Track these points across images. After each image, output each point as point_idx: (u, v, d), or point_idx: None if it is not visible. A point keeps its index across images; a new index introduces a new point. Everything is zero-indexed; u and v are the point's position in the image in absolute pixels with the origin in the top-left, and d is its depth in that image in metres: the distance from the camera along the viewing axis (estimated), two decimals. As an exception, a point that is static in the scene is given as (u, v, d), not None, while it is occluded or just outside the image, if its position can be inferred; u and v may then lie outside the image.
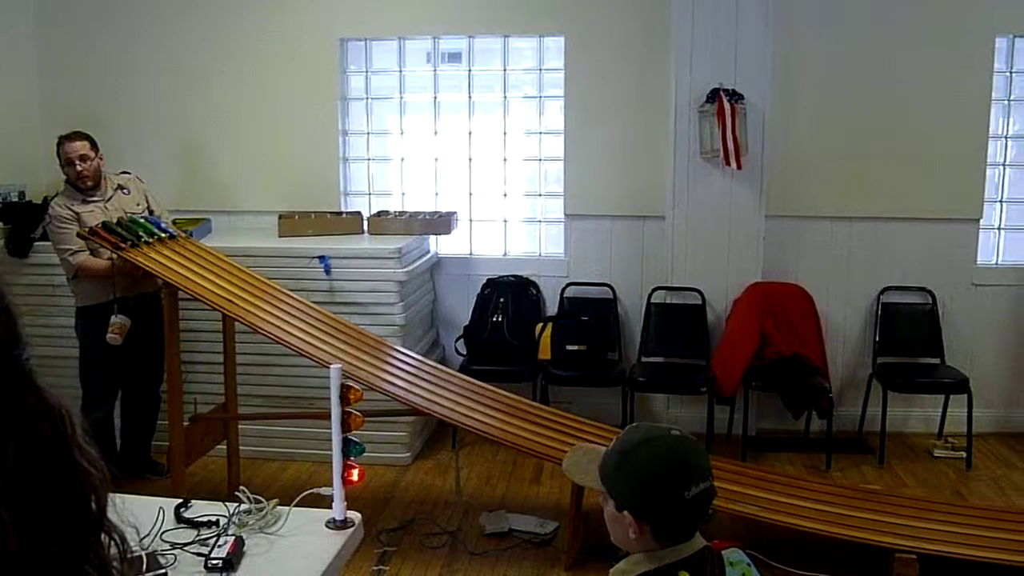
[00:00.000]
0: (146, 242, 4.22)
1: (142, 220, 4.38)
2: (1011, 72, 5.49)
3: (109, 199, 4.59)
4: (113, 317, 4.55)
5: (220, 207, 5.78)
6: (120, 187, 4.67)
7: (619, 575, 1.77)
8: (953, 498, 4.69)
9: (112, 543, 1.17)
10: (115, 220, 4.36)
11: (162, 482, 4.57)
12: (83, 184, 4.53)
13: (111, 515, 1.18)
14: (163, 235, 4.35)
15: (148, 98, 5.77)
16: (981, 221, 5.54)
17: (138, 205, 4.69)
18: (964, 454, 5.14)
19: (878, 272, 5.55)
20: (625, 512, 1.73)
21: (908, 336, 5.51)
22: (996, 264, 5.67)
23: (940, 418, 5.48)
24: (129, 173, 4.80)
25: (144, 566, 2.02)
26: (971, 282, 5.56)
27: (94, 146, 4.58)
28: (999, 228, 5.66)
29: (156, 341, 4.38)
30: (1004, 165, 5.59)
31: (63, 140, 4.53)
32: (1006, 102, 5.53)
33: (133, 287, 4.49)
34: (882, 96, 5.43)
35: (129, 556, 1.19)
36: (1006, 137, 5.57)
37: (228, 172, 5.83)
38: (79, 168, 4.50)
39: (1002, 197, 5.62)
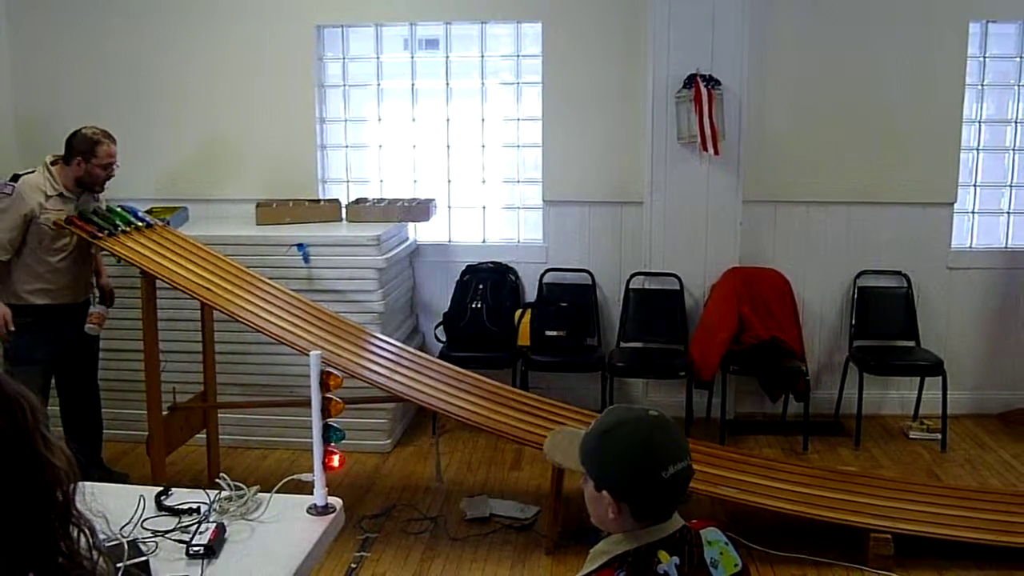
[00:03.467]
0: (123, 231, 4.20)
1: (119, 209, 4.34)
2: (984, 57, 5.54)
3: (82, 203, 4.40)
4: (92, 307, 4.54)
5: (197, 195, 5.75)
6: (94, 195, 4.53)
7: (599, 555, 1.78)
8: (928, 479, 4.75)
9: (81, 534, 1.15)
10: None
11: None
12: (100, 188, 4.35)
13: (80, 506, 1.16)
14: (140, 224, 4.32)
15: (123, 87, 5.72)
16: (955, 205, 5.60)
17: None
18: (939, 436, 5.21)
19: (854, 256, 5.60)
20: (604, 492, 1.74)
21: (884, 319, 5.57)
22: (970, 248, 5.73)
23: (915, 400, 5.54)
24: None
25: (125, 554, 2.02)
26: (946, 266, 5.62)
27: None
28: (973, 212, 5.72)
29: (86, 336, 4.43)
30: (978, 150, 5.64)
31: (103, 140, 4.27)
32: (980, 87, 5.58)
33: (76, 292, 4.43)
34: (857, 82, 5.46)
35: (99, 546, 1.19)
36: (980, 122, 5.62)
37: (205, 160, 5.80)
38: (113, 173, 4.32)
39: (976, 181, 5.68)
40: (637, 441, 1.73)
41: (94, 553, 1.17)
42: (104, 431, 4.77)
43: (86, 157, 4.24)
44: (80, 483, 1.18)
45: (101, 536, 1.88)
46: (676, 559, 1.71)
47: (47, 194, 4.25)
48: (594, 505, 1.79)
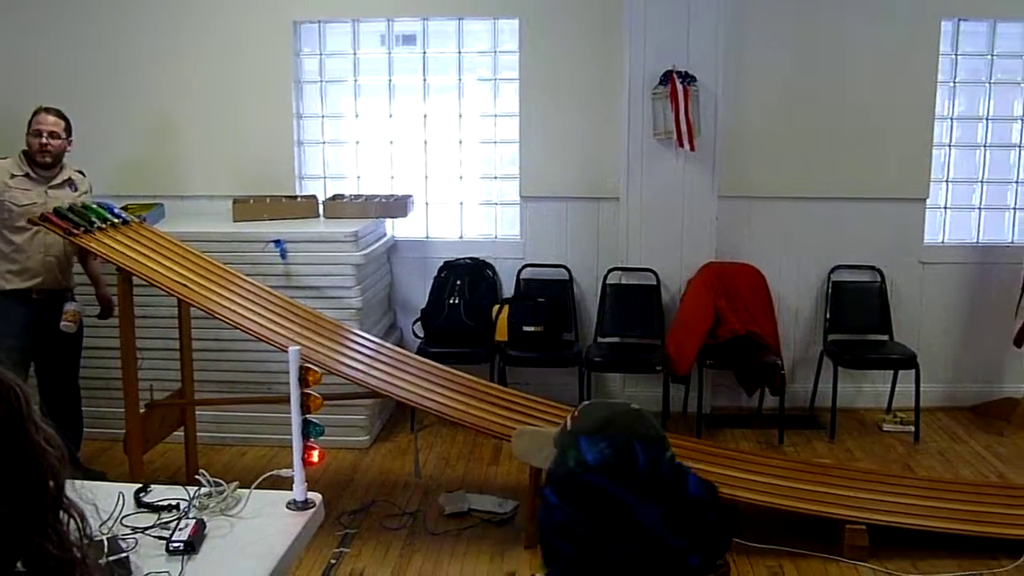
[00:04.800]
0: (99, 228, 4.16)
1: (94, 205, 4.30)
2: (956, 55, 5.60)
3: (53, 186, 4.46)
4: (66, 304, 4.51)
5: (173, 192, 5.72)
6: (70, 180, 4.56)
7: None
8: (902, 471, 4.81)
9: (72, 520, 1.16)
10: (52, 207, 4.32)
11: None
12: (40, 159, 4.40)
13: (71, 493, 1.17)
14: (116, 220, 4.29)
15: (99, 82, 5.67)
16: (928, 201, 5.66)
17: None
18: (912, 428, 5.27)
19: (828, 251, 5.65)
20: None
21: (858, 314, 5.62)
22: (943, 243, 5.80)
23: (889, 393, 5.60)
24: (84, 175, 4.67)
25: (105, 550, 2.02)
26: (918, 260, 5.68)
27: (68, 129, 4.47)
28: (945, 208, 5.78)
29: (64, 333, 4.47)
30: (950, 146, 5.71)
31: (40, 110, 4.41)
32: (952, 84, 5.64)
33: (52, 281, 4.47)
34: (831, 79, 5.51)
35: (90, 533, 1.19)
36: (952, 119, 5.68)
37: (181, 156, 5.77)
38: (44, 141, 4.38)
39: (948, 177, 5.74)
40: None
41: (84, 541, 1.18)
42: (85, 428, 4.77)
43: (28, 128, 4.41)
44: (69, 469, 1.19)
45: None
46: None
47: (12, 174, 4.40)
48: None
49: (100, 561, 1.96)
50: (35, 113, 4.42)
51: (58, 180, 4.49)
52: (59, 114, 4.44)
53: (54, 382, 4.62)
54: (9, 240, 4.38)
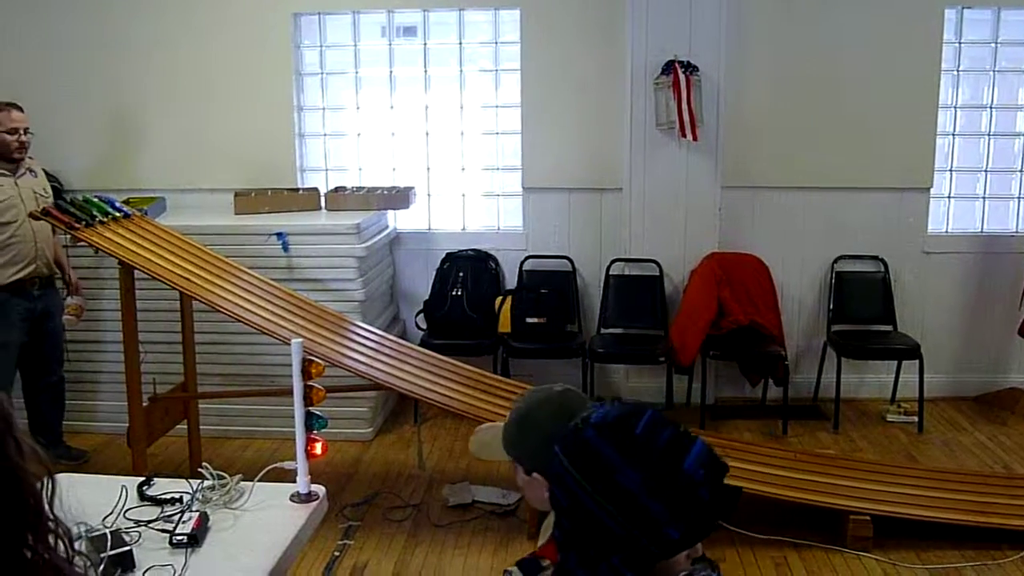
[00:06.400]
0: (101, 222, 4.16)
1: (96, 199, 4.30)
2: (960, 43, 5.57)
3: (21, 175, 4.50)
4: (69, 298, 4.54)
5: (174, 185, 5.70)
6: (30, 169, 4.59)
7: (545, 531, 1.93)
8: (905, 461, 4.80)
9: (59, 541, 1.12)
10: (23, 199, 4.41)
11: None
12: (19, 155, 4.44)
13: (57, 511, 1.12)
14: (117, 214, 4.29)
15: (99, 74, 5.66)
16: (932, 190, 5.64)
17: (44, 190, 4.61)
18: (916, 418, 5.26)
19: (831, 241, 5.64)
20: (535, 474, 1.83)
21: (861, 304, 5.61)
22: (946, 232, 5.78)
23: (892, 384, 5.59)
24: (32, 158, 4.66)
25: (109, 544, 2.02)
26: (922, 250, 5.67)
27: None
28: (949, 197, 5.76)
29: (54, 326, 4.58)
30: (953, 135, 5.69)
31: (9, 107, 4.41)
32: (955, 73, 5.61)
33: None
34: (834, 68, 5.49)
35: (78, 551, 1.16)
36: (955, 107, 5.66)
37: (182, 150, 5.75)
38: (23, 139, 4.43)
39: (952, 166, 5.72)
40: (556, 417, 1.79)
41: (76, 558, 1.15)
42: (87, 423, 4.81)
43: None
44: (56, 485, 1.15)
45: (84, 528, 1.87)
46: None
47: None
48: (530, 489, 1.89)
49: (101, 556, 1.95)
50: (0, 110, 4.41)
51: (22, 170, 4.53)
52: (20, 108, 4.47)
53: (40, 371, 4.70)
54: None
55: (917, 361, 5.22)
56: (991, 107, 5.67)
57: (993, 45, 5.60)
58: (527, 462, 1.87)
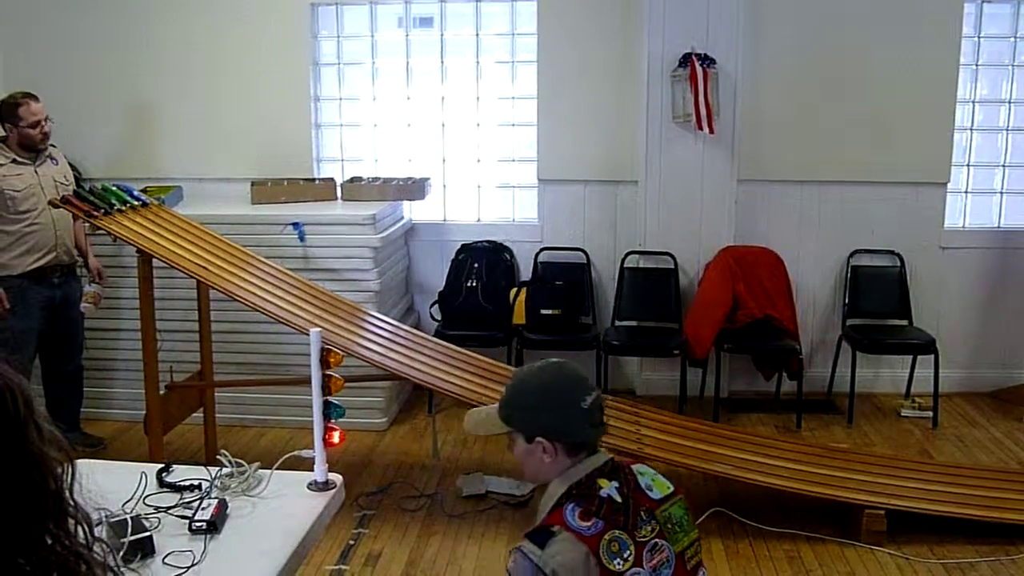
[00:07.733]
0: (119, 210, 4.19)
1: (114, 188, 4.34)
2: (979, 37, 5.54)
3: (41, 164, 4.55)
4: (87, 285, 4.58)
5: (192, 175, 5.73)
6: (51, 156, 4.63)
7: (547, 502, 1.94)
8: (920, 456, 4.79)
9: (79, 527, 1.12)
10: (43, 187, 4.45)
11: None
12: (42, 145, 4.51)
13: (77, 496, 1.12)
14: (135, 203, 4.31)
15: (119, 65, 5.69)
16: (949, 185, 5.61)
17: (65, 177, 4.65)
18: (931, 413, 5.24)
19: (847, 235, 5.62)
20: (537, 439, 1.93)
21: (877, 298, 5.59)
22: (963, 227, 5.75)
23: (907, 378, 5.58)
24: (55, 146, 4.71)
25: (129, 529, 2.04)
26: (939, 245, 5.64)
27: None
28: (966, 192, 5.73)
29: (74, 314, 4.62)
30: (971, 130, 5.66)
31: (28, 100, 4.44)
32: (974, 67, 5.58)
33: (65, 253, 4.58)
34: (852, 61, 5.46)
35: (98, 537, 1.15)
36: (974, 102, 5.63)
37: (199, 139, 5.77)
38: (47, 129, 4.48)
39: (969, 161, 5.69)
40: (551, 382, 1.98)
41: (95, 544, 1.15)
42: (104, 410, 4.85)
43: (14, 122, 4.44)
44: (76, 471, 1.15)
45: (104, 513, 1.88)
46: (615, 483, 1.90)
47: (0, 163, 4.44)
48: (528, 459, 1.99)
49: (122, 540, 1.97)
50: (17, 105, 4.43)
51: (42, 158, 4.57)
52: (38, 99, 4.50)
53: (59, 358, 4.75)
54: (16, 222, 4.45)
55: (932, 356, 5.20)
56: (1010, 102, 5.63)
57: (1012, 39, 5.57)
58: (528, 429, 1.97)
